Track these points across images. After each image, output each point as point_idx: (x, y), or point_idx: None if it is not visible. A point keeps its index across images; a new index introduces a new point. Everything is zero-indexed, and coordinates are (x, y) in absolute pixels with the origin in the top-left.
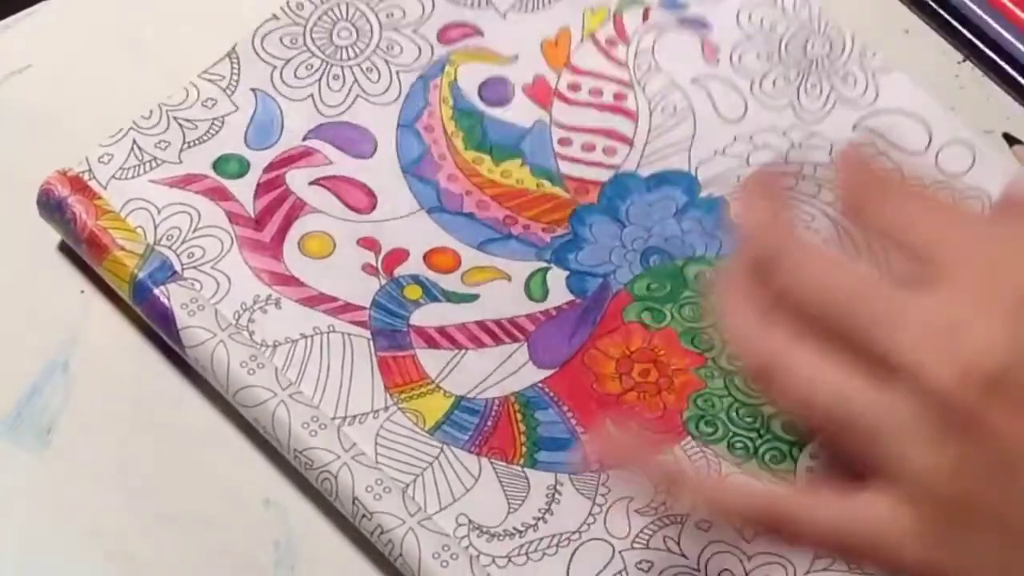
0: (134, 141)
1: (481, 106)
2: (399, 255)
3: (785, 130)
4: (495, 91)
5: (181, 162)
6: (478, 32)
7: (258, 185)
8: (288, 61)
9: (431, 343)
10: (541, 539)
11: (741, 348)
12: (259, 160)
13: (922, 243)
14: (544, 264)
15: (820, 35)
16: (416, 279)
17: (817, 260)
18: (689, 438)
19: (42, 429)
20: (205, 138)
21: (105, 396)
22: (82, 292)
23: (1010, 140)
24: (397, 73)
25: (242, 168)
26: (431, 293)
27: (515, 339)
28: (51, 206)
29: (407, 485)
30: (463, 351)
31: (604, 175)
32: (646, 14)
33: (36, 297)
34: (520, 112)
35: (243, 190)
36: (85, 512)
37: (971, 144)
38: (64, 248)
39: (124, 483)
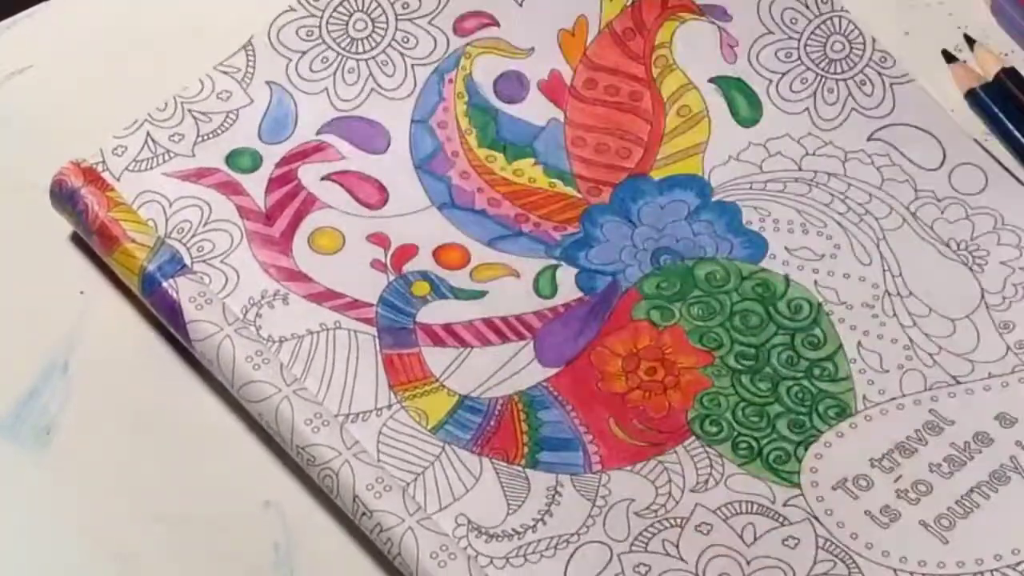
0: (148, 134)
1: (496, 102)
2: (409, 251)
3: (799, 138)
4: (510, 86)
5: (194, 155)
6: (494, 21)
7: (270, 180)
8: (304, 54)
9: (437, 341)
10: (539, 540)
11: None
12: (272, 154)
13: None
14: (554, 261)
15: (840, 35)
16: (425, 275)
17: None
18: (693, 438)
19: (41, 430)
20: (219, 131)
21: (104, 397)
22: (82, 293)
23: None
24: (412, 67)
25: (255, 162)
26: (439, 290)
27: (522, 337)
28: (63, 197)
29: (408, 484)
30: (468, 349)
31: (617, 176)
32: (665, 2)
33: (36, 299)
34: (534, 110)
35: (255, 184)
36: (84, 513)
37: (984, 167)
38: (64, 249)
39: (123, 484)
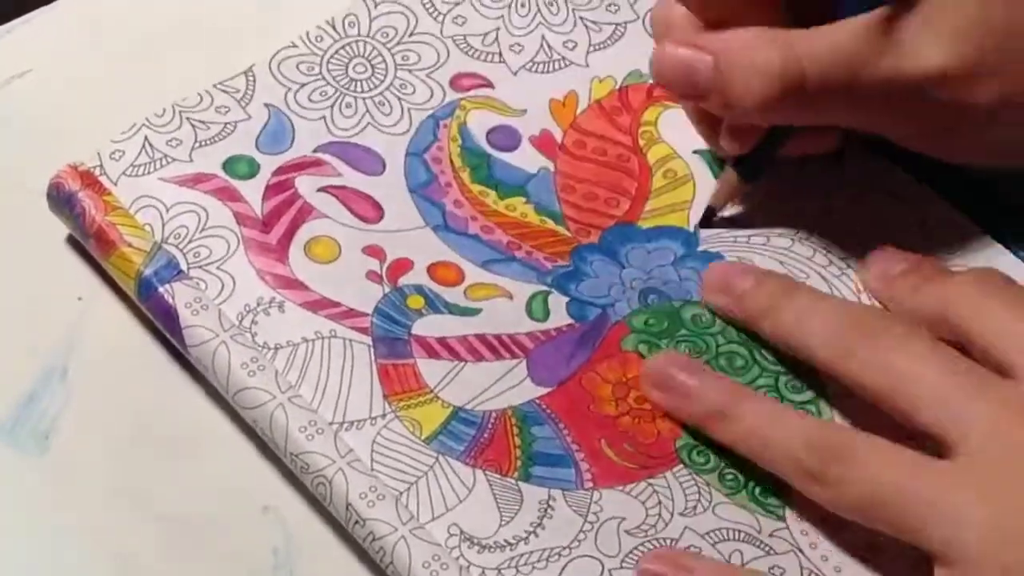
0: (146, 138)
1: (488, 148)
2: (404, 264)
3: (783, 201)
4: (503, 137)
5: (192, 161)
6: (489, 84)
7: (267, 187)
8: (303, 86)
9: (431, 353)
10: (531, 552)
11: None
12: (270, 163)
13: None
14: (546, 288)
15: None
16: (419, 289)
17: None
18: (681, 465)
19: (41, 434)
20: (217, 138)
21: (103, 402)
22: (80, 299)
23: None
24: (409, 110)
25: (252, 169)
26: (434, 304)
27: (515, 355)
28: (60, 200)
29: (401, 493)
30: (463, 363)
31: (605, 223)
32: (650, 92)
33: (34, 303)
34: (526, 159)
35: (252, 191)
36: (83, 517)
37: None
38: (62, 253)
39: (123, 488)
